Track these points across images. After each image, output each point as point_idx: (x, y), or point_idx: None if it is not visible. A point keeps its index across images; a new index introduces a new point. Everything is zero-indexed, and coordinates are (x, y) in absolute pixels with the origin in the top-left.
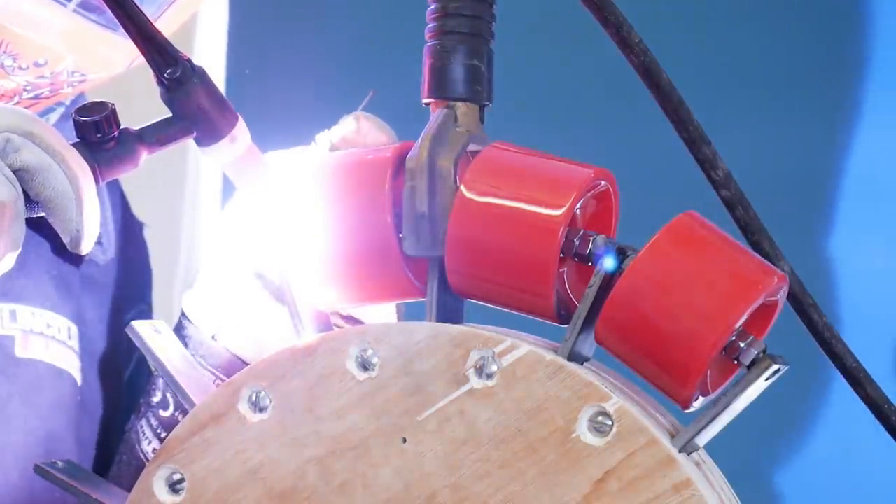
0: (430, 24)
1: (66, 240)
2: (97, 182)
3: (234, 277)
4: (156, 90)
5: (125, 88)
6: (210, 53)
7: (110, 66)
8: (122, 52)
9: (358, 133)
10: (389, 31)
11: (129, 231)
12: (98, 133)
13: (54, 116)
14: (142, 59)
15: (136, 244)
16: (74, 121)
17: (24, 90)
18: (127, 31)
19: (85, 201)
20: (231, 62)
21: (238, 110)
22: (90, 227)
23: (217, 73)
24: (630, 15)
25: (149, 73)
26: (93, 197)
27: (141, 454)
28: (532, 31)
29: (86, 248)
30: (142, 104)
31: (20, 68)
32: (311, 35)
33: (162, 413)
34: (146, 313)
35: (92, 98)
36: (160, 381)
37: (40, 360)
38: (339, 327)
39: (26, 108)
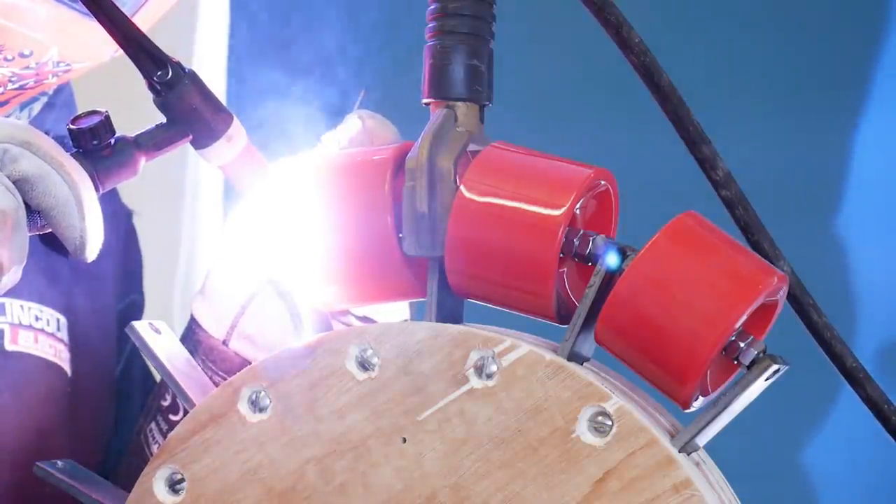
0: (430, 24)
1: (69, 248)
2: (97, 190)
3: (245, 283)
4: (140, 79)
5: (110, 77)
6: (211, 55)
7: (95, 55)
8: (107, 41)
9: (364, 132)
10: (389, 30)
11: (116, 219)
12: (94, 140)
13: (37, 106)
14: None
15: (124, 232)
16: (69, 131)
17: (10, 81)
18: (112, 37)
19: (86, 208)
20: (232, 64)
21: (238, 113)
22: (93, 234)
23: (218, 75)
24: (630, 15)
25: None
26: (94, 204)
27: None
28: (532, 31)
29: (90, 255)
30: (127, 94)
31: (5, 59)
32: (311, 36)
33: (172, 417)
34: (138, 304)
35: (77, 86)
36: None
37: (29, 353)
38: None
39: (11, 99)
